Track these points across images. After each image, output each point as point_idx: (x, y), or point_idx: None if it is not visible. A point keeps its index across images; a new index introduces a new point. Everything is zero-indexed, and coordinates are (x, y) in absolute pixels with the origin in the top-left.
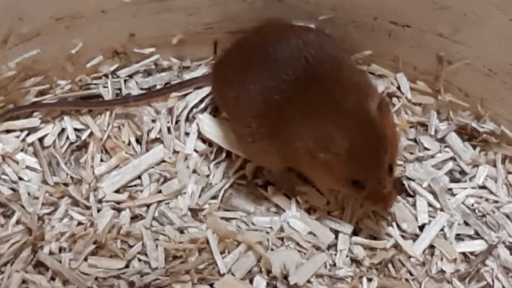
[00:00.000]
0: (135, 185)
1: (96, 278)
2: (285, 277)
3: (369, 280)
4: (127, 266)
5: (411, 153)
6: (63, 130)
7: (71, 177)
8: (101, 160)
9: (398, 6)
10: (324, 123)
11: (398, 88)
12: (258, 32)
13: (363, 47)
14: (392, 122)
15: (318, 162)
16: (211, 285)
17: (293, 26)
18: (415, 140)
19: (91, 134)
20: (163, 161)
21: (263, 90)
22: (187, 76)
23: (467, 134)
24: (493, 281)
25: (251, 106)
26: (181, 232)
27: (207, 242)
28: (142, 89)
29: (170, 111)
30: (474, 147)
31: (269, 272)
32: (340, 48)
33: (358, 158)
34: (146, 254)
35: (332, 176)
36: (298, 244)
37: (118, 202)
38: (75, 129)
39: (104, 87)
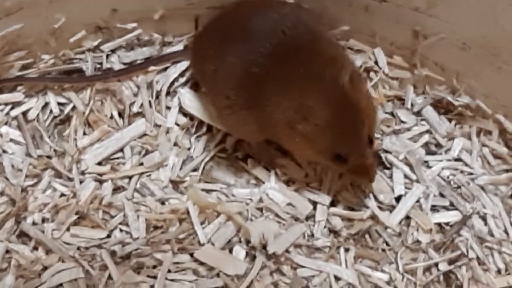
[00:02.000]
0: (117, 158)
1: (78, 248)
2: (264, 246)
3: (346, 250)
4: (108, 236)
5: (388, 126)
6: (46, 104)
7: (55, 150)
8: (84, 134)
9: None
10: (302, 95)
11: (376, 62)
12: (236, 7)
13: (340, 22)
14: (366, 94)
15: (297, 134)
16: (191, 254)
17: (270, 0)
18: (392, 114)
19: (74, 108)
20: (145, 134)
21: (242, 63)
22: (168, 51)
23: (443, 108)
24: (467, 251)
25: (230, 78)
26: (162, 203)
27: (188, 213)
28: (124, 63)
29: (150, 85)
30: (449, 120)
31: (248, 242)
32: (317, 22)
33: (338, 131)
34: (127, 225)
35: (311, 147)
36: (277, 215)
37: (101, 174)
38: (59, 103)
39: (86, 61)
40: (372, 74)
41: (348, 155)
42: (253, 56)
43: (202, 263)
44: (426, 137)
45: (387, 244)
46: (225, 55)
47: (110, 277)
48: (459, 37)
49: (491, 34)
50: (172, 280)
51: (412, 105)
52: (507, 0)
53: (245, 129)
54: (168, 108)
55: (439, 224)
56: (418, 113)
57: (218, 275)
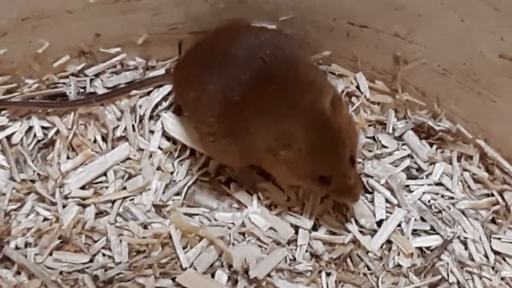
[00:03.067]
0: (101, 182)
1: (61, 272)
2: (246, 271)
3: (328, 274)
4: (91, 261)
5: (370, 151)
6: (30, 128)
7: (38, 174)
8: (68, 158)
9: (355, 7)
10: (283, 121)
11: (357, 87)
12: (217, 33)
13: (322, 47)
14: (347, 116)
15: (280, 160)
16: (173, 279)
17: (250, 27)
18: (373, 138)
19: (57, 132)
20: (128, 158)
21: (223, 90)
22: (150, 75)
23: (424, 132)
24: (448, 275)
25: (211, 106)
26: (145, 227)
27: (170, 237)
28: (107, 88)
29: (133, 109)
30: (430, 144)
31: (230, 266)
32: (296, 47)
33: (320, 154)
34: (110, 249)
35: (295, 172)
36: (259, 239)
37: (84, 198)
38: (42, 127)
39: (70, 86)
40: (354, 99)
41: (331, 177)
42: (234, 84)
43: None
44: (407, 162)
45: (369, 269)
46: (206, 82)
47: None
48: (439, 62)
49: (471, 60)
50: None
51: (393, 129)
52: (485, 27)
53: (228, 155)
54: (151, 132)
55: (420, 249)
56: (399, 138)
57: None
